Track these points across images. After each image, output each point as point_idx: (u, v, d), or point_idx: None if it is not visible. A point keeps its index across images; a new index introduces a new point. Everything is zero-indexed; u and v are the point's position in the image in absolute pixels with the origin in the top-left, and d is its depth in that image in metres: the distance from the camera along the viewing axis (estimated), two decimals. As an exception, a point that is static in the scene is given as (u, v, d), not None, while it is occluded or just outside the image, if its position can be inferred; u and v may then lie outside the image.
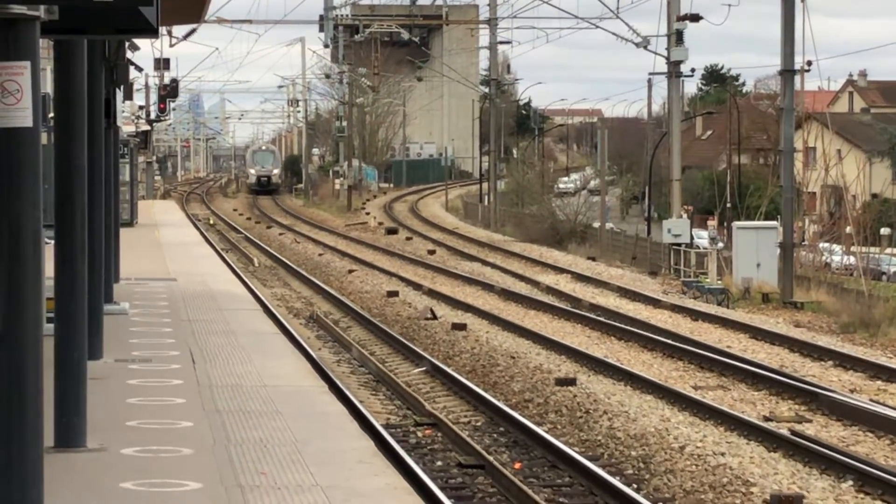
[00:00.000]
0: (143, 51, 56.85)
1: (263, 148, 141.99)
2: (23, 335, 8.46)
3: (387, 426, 20.64)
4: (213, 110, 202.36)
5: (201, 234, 58.32)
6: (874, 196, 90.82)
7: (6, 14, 7.99)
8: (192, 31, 45.97)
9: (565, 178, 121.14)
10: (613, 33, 58.45)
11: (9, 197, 8.40)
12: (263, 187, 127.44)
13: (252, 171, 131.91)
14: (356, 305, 38.17)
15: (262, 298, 35.01)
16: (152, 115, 72.99)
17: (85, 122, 12.50)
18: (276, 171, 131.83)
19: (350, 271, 48.03)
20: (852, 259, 61.32)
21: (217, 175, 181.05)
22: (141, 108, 65.66)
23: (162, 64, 67.30)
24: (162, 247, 44.96)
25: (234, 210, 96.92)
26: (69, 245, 12.82)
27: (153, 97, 71.61)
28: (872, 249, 65.08)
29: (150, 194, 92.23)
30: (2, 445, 8.50)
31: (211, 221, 78.92)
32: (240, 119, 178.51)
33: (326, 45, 69.08)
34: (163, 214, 68.05)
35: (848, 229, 66.64)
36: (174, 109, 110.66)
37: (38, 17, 8.04)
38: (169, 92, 69.82)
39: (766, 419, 21.74)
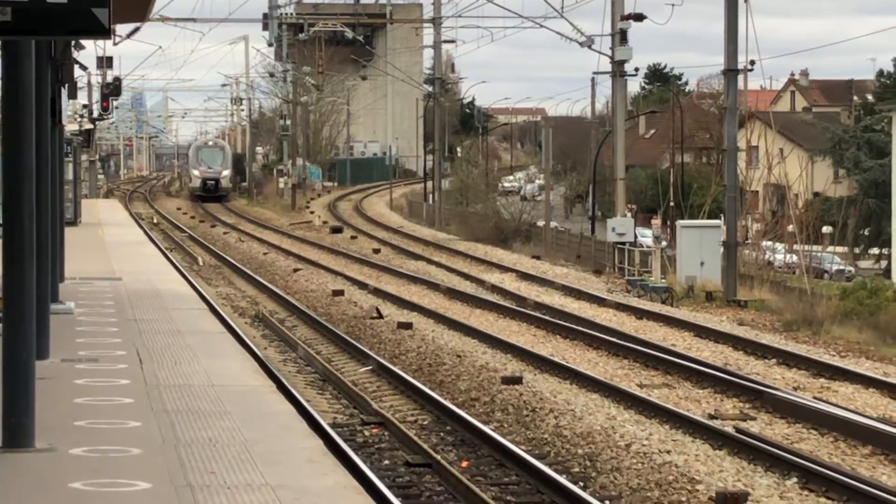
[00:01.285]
0: (87, 49, 56.51)
1: (210, 143, 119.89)
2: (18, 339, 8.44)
3: (334, 425, 20.64)
4: (155, 108, 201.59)
5: (145, 232, 58.08)
6: (816, 195, 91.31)
7: (-42, 15, 8.00)
8: (136, 29, 45.75)
9: (510, 177, 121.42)
10: (558, 32, 58.63)
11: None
12: (210, 193, 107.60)
13: (196, 173, 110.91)
14: (302, 304, 38.13)
15: (208, 298, 34.91)
16: (95, 114, 72.64)
17: (33, 122, 12.47)
18: (225, 173, 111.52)
19: (295, 270, 47.97)
20: (794, 257, 61.68)
21: (160, 174, 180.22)
22: (84, 106, 65.36)
23: (105, 62, 66.96)
24: (106, 246, 44.81)
25: (178, 209, 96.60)
26: (18, 244, 12.78)
27: (96, 95, 71.17)
28: (814, 248, 65.50)
29: (93, 193, 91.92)
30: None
31: (155, 220, 78.66)
32: (183, 117, 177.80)
33: (270, 44, 69.01)
34: (106, 213, 67.83)
35: (790, 228, 67.01)
36: (117, 108, 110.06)
37: (-9, 20, 8.06)
38: (112, 90, 69.51)
39: (711, 417, 21.84)
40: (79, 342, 20.77)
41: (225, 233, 70.52)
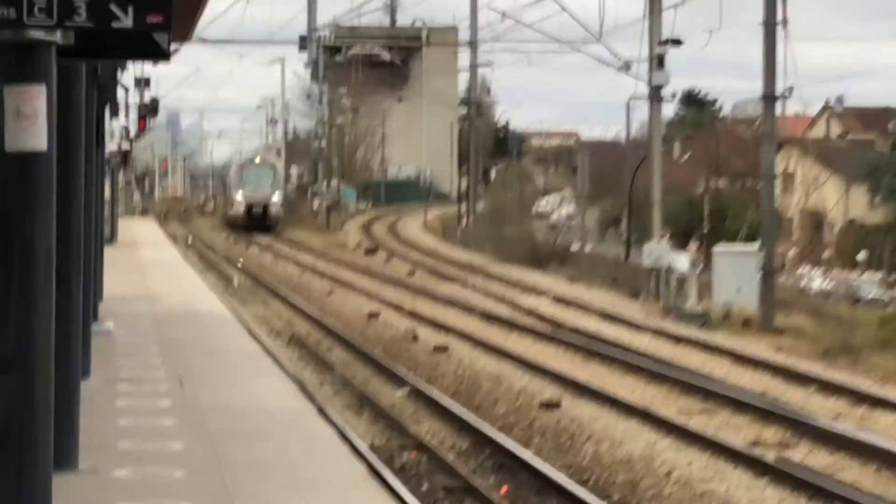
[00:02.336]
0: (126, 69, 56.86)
1: (258, 161, 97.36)
2: (35, 359, 8.48)
3: (372, 448, 20.63)
4: (190, 129, 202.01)
5: (180, 252, 58.26)
6: (851, 221, 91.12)
7: (24, 39, 8.03)
8: (176, 50, 45.87)
9: (544, 200, 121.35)
10: (595, 57, 58.67)
11: (22, 218, 8.44)
12: (257, 222, 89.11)
13: (239, 197, 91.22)
14: (337, 326, 38.11)
15: (243, 319, 34.96)
16: (132, 134, 72.95)
17: (83, 144, 12.52)
18: (276, 198, 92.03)
19: (330, 292, 47.99)
20: (830, 283, 61.54)
21: (194, 193, 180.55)
22: (123, 126, 65.62)
23: (143, 83, 67.21)
24: (143, 265, 44.96)
25: (212, 229, 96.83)
26: (65, 266, 12.82)
27: (133, 115, 71.45)
28: (850, 274, 65.28)
29: (129, 212, 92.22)
30: (13, 469, 8.51)
31: (189, 241, 78.84)
32: (218, 138, 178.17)
33: (307, 66, 69.09)
34: (142, 233, 68.16)
35: (826, 254, 66.89)
36: (153, 128, 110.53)
37: (55, 42, 8.08)
38: (149, 111, 69.85)
39: (752, 445, 21.78)
40: (119, 362, 20.84)
41: (259, 253, 70.62)
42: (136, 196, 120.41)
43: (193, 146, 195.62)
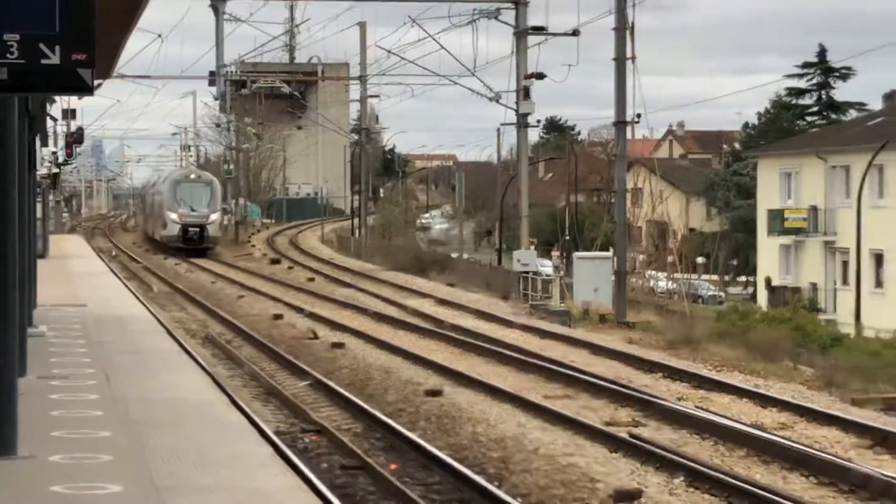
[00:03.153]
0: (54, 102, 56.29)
1: (194, 176, 79.73)
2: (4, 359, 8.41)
3: (278, 433, 20.56)
4: (113, 154, 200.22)
5: (105, 264, 57.66)
6: (691, 230, 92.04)
7: (-38, 75, 7.96)
8: (99, 85, 45.46)
9: (426, 215, 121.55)
10: (470, 89, 58.82)
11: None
12: (193, 244, 74.37)
13: (173, 216, 75.03)
14: (246, 326, 37.95)
15: (162, 322, 34.69)
16: (60, 160, 72.18)
17: (16, 169, 12.40)
18: (214, 217, 76.46)
19: (239, 297, 47.75)
20: (673, 284, 62.13)
21: (117, 212, 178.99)
22: (53, 153, 64.84)
23: (69, 114, 66.48)
24: (72, 276, 44.46)
25: (133, 243, 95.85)
26: (3, 276, 12.70)
27: (60, 143, 70.64)
28: (691, 276, 65.87)
29: (58, 229, 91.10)
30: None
31: (113, 253, 78.04)
32: (138, 162, 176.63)
33: (216, 98, 68.66)
34: (70, 247, 67.29)
35: (670, 259, 67.43)
36: (79, 154, 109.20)
37: (-11, 78, 8.03)
38: (75, 139, 69.20)
39: (607, 424, 21.90)
40: (52, 361, 20.60)
41: (176, 264, 70.01)
42: (66, 215, 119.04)
43: (115, 170, 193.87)
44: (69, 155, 71.30)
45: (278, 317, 40.02)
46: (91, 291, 37.25)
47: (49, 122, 44.68)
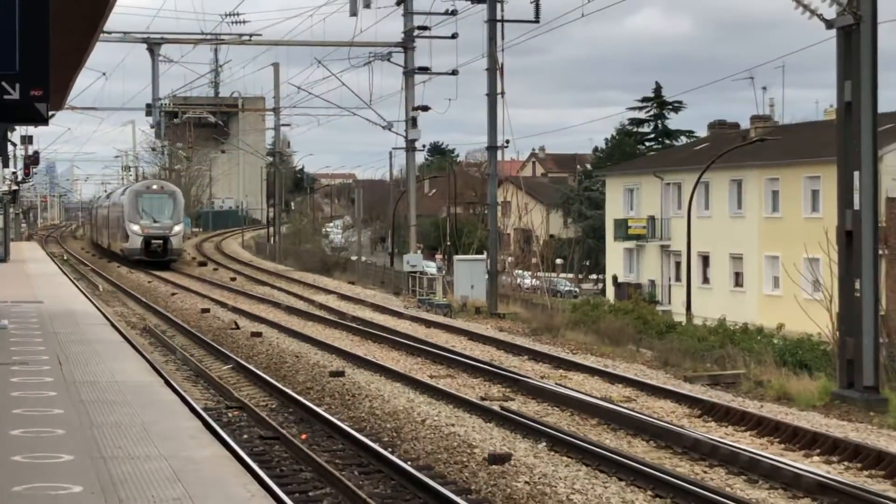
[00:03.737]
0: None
1: (156, 187, 67.89)
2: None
3: (206, 409, 20.39)
4: (64, 174, 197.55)
5: (58, 267, 56.71)
6: (551, 236, 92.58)
7: (-65, 109, 7.81)
8: (52, 115, 44.77)
9: (330, 224, 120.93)
10: (366, 118, 58.66)
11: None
12: (156, 256, 63.22)
13: (135, 228, 63.80)
14: (178, 319, 37.60)
15: (107, 316, 34.19)
16: (19, 178, 70.99)
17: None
18: (177, 228, 64.98)
19: (172, 294, 47.28)
20: (536, 281, 62.40)
21: (68, 223, 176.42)
22: (13, 172, 63.78)
23: (27, 140, 65.40)
24: (29, 277, 43.65)
25: (82, 248, 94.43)
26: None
27: (19, 164, 69.44)
28: (550, 274, 66.18)
29: (17, 237, 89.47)
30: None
31: (65, 258, 76.81)
32: (85, 181, 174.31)
33: (152, 126, 67.85)
34: (28, 253, 66.03)
35: (534, 260, 67.74)
36: (35, 173, 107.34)
37: (-42, 111, 7.89)
38: (32, 161, 68.16)
39: (482, 399, 22.01)
40: (12, 349, 20.20)
41: (118, 267, 69.05)
42: (24, 225, 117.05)
43: (66, 187, 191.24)
44: (27, 174, 70.28)
45: (206, 310, 39.67)
46: (46, 290, 36.59)
47: (10, 147, 43.85)
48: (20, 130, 53.56)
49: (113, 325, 29.14)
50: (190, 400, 20.30)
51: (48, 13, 7.30)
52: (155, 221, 63.34)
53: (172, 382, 22.17)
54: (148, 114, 65.78)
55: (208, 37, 55.32)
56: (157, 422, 13.58)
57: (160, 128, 66.29)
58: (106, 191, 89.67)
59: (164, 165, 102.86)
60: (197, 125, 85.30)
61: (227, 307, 40.97)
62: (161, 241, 63.09)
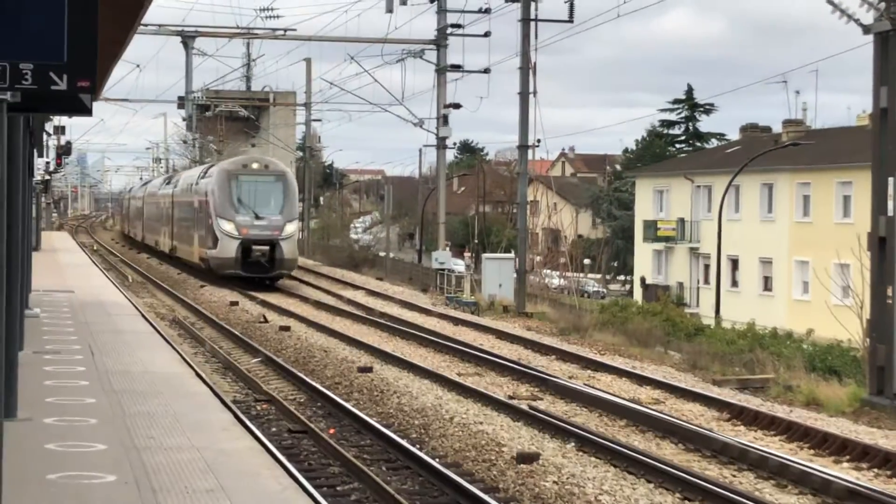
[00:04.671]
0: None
1: (256, 166, 45.91)
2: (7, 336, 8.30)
3: (235, 402, 20.45)
4: (95, 164, 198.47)
5: (88, 257, 57.02)
6: (580, 236, 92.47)
7: (-17, 98, 7.87)
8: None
9: (358, 220, 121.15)
10: (398, 115, 58.87)
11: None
12: (261, 270, 44.96)
13: (228, 228, 44.37)
14: (207, 311, 37.72)
15: (137, 306, 34.36)
16: (51, 168, 71.42)
17: (20, 176, 12.25)
18: (290, 228, 45.02)
19: (201, 286, 47.40)
20: (564, 281, 62.33)
21: (97, 213, 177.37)
22: (46, 162, 64.15)
23: (60, 130, 65.77)
24: (60, 266, 43.93)
25: (112, 239, 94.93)
26: (7, 266, 12.55)
27: (52, 154, 69.87)
28: (579, 275, 66.08)
29: (49, 227, 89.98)
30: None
31: (94, 248, 77.19)
32: (116, 172, 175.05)
33: (184, 119, 68.14)
34: (59, 242, 66.48)
35: (562, 260, 67.67)
36: (67, 164, 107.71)
37: (6, 100, 7.94)
38: (64, 151, 68.53)
39: (511, 397, 22.00)
40: (45, 339, 20.37)
41: (148, 258, 69.35)
42: (55, 215, 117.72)
43: (97, 178, 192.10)
44: (59, 164, 70.62)
45: (234, 303, 39.77)
46: (77, 280, 36.84)
47: (43, 137, 44.12)
48: (53, 120, 53.88)
49: (143, 316, 29.34)
50: (219, 392, 20.39)
51: (97, 3, 7.35)
52: (258, 218, 43.46)
53: (202, 374, 22.30)
54: (180, 106, 66.16)
55: (242, 31, 55.46)
56: (188, 413, 13.67)
57: (192, 120, 66.58)
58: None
59: (195, 158, 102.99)
60: (228, 119, 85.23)
61: (256, 300, 41.04)
62: (267, 248, 43.60)
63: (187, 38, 55.29)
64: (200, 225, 47.57)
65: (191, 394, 15.44)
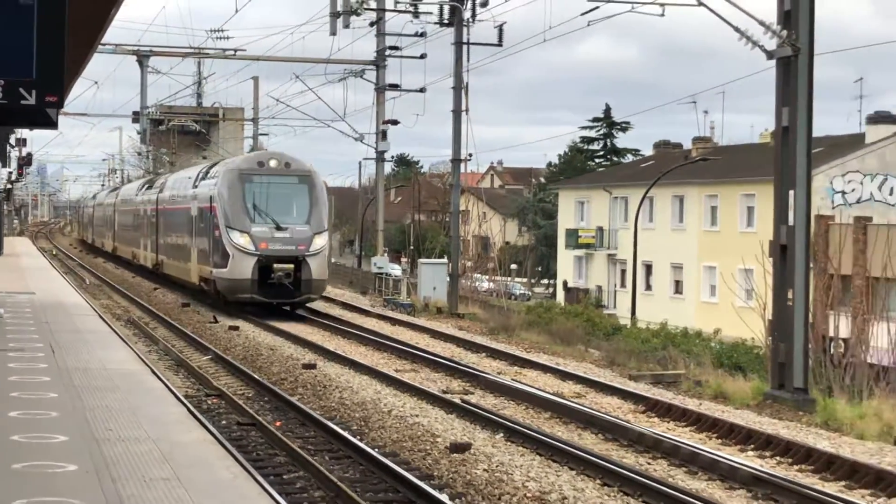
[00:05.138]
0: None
1: (274, 164, 34.38)
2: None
3: (187, 396, 20.30)
4: (55, 174, 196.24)
5: (48, 261, 56.30)
6: (507, 243, 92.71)
7: (-45, 112, 7.78)
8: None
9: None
10: (340, 131, 58.60)
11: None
12: (281, 295, 33.85)
13: (241, 242, 33.07)
14: (160, 312, 37.39)
15: (95, 307, 33.96)
16: (13, 178, 70.52)
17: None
18: (319, 242, 33.79)
19: (154, 289, 46.99)
20: (493, 284, 62.44)
21: (56, 220, 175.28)
22: (8, 172, 63.41)
23: (21, 141, 64.95)
24: (22, 270, 43.34)
25: (71, 245, 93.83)
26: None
27: (13, 164, 68.97)
28: (506, 279, 66.20)
29: (10, 233, 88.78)
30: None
31: (54, 253, 76.28)
32: (74, 181, 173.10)
33: (139, 133, 67.52)
34: (20, 247, 65.57)
35: (491, 265, 67.75)
36: (28, 174, 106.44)
37: (-23, 114, 7.88)
38: (25, 161, 67.68)
39: (444, 392, 22.03)
40: (9, 337, 20.07)
41: (104, 262, 68.65)
42: (16, 221, 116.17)
43: (56, 187, 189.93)
44: (20, 174, 69.79)
45: (186, 305, 39.46)
46: (38, 282, 36.33)
47: (6, 148, 43.56)
48: (17, 133, 53.19)
49: (100, 317, 28.98)
50: (172, 388, 20.23)
51: (65, 23, 7.29)
52: (279, 228, 33.33)
53: (156, 371, 22.09)
54: (135, 121, 65.54)
55: (194, 51, 55.09)
56: (144, 407, 13.53)
57: (146, 134, 66.00)
58: (105, 185, 58.87)
59: (149, 169, 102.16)
60: (180, 132, 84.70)
61: (206, 303, 40.73)
62: (291, 266, 33.36)
63: (142, 57, 54.82)
64: (202, 237, 36.25)
65: (146, 389, 15.28)
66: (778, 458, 16.58)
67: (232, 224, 33.46)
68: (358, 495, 13.31)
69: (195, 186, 38.24)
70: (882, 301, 34.13)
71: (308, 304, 35.51)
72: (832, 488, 14.45)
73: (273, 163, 34.67)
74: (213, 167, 37.50)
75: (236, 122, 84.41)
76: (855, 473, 15.10)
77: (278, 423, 18.57)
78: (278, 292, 33.37)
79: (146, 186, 53.19)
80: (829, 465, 15.61)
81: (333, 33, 44.12)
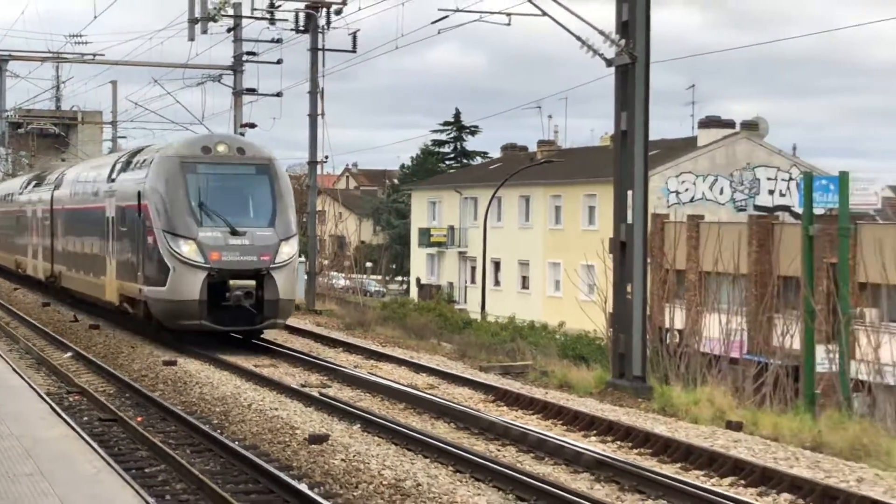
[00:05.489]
0: None
1: (223, 149, 24.82)
2: None
3: (48, 394, 19.81)
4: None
5: None
6: (363, 242, 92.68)
7: None
8: None
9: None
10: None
11: None
12: (239, 321, 24.44)
13: (185, 250, 23.57)
14: (21, 312, 36.38)
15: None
16: None
17: None
18: (286, 250, 24.43)
19: (14, 289, 45.71)
20: (349, 282, 62.36)
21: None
22: None
23: None
24: None
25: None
26: None
27: None
28: (362, 276, 66.21)
29: None
30: None
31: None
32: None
33: (-3, 135, 65.65)
34: None
35: (347, 263, 67.61)
36: None
37: None
38: None
39: (303, 385, 21.89)
40: None
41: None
42: None
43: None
44: None
45: (46, 304, 38.47)
46: None
47: None
48: None
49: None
50: (34, 385, 19.73)
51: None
52: (234, 233, 24.77)
53: (17, 369, 21.52)
54: (-7, 123, 63.60)
55: (53, 55, 53.72)
56: (6, 404, 13.22)
57: (5, 137, 64.15)
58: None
59: (8, 171, 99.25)
60: (39, 135, 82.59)
61: (67, 303, 39.74)
62: (252, 283, 24.88)
63: (1, 61, 53.27)
64: (124, 244, 27.81)
65: (8, 387, 14.91)
66: (619, 442, 16.93)
67: (172, 228, 24.48)
68: (219, 487, 13.18)
69: (111, 180, 29.19)
70: (713, 294, 35.12)
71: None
72: (669, 470, 14.82)
73: (222, 148, 25.43)
74: (138, 154, 28.34)
75: (95, 126, 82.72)
76: (690, 455, 15.51)
77: (140, 419, 18.25)
78: (235, 317, 24.74)
79: (33, 183, 43.77)
80: (666, 448, 15.99)
81: (192, 39, 43.51)
